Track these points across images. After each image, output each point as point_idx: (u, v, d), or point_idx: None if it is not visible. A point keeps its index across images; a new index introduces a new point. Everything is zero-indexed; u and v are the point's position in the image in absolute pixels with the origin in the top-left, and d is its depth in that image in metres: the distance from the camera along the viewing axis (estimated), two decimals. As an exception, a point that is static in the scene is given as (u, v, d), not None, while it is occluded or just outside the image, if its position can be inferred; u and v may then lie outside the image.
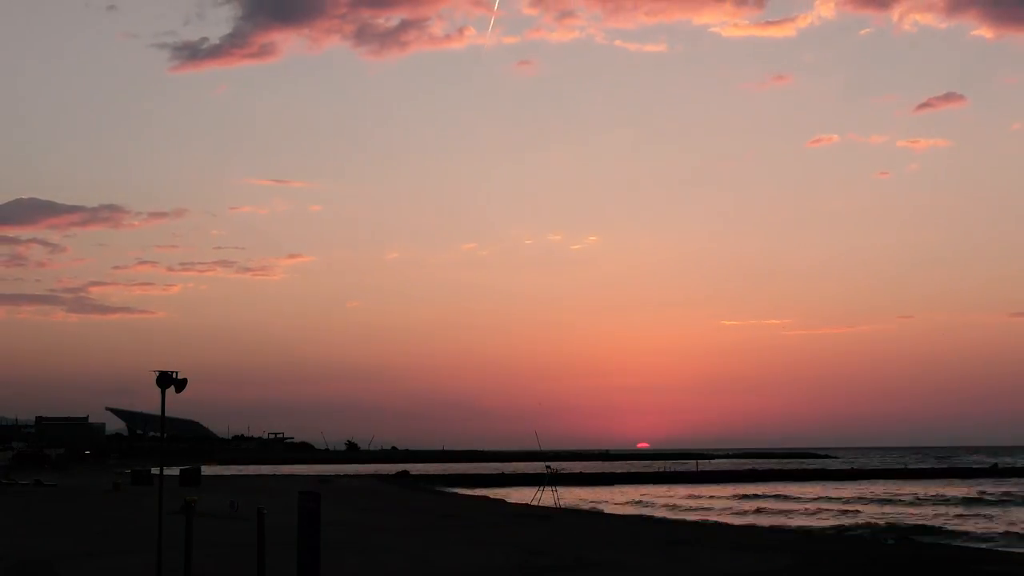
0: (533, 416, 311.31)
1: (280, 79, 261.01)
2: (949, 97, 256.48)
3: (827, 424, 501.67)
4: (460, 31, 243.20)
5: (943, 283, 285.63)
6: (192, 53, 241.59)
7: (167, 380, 18.24)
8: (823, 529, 44.52)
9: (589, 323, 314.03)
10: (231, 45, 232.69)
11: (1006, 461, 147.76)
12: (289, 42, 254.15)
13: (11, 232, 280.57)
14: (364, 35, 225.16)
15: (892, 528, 44.81)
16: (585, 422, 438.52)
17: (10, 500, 50.40)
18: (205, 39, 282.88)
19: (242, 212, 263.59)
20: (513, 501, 61.96)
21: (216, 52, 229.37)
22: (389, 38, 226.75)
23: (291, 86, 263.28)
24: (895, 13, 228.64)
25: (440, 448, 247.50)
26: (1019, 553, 30.73)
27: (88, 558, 24.89)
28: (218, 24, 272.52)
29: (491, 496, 69.10)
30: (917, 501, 65.78)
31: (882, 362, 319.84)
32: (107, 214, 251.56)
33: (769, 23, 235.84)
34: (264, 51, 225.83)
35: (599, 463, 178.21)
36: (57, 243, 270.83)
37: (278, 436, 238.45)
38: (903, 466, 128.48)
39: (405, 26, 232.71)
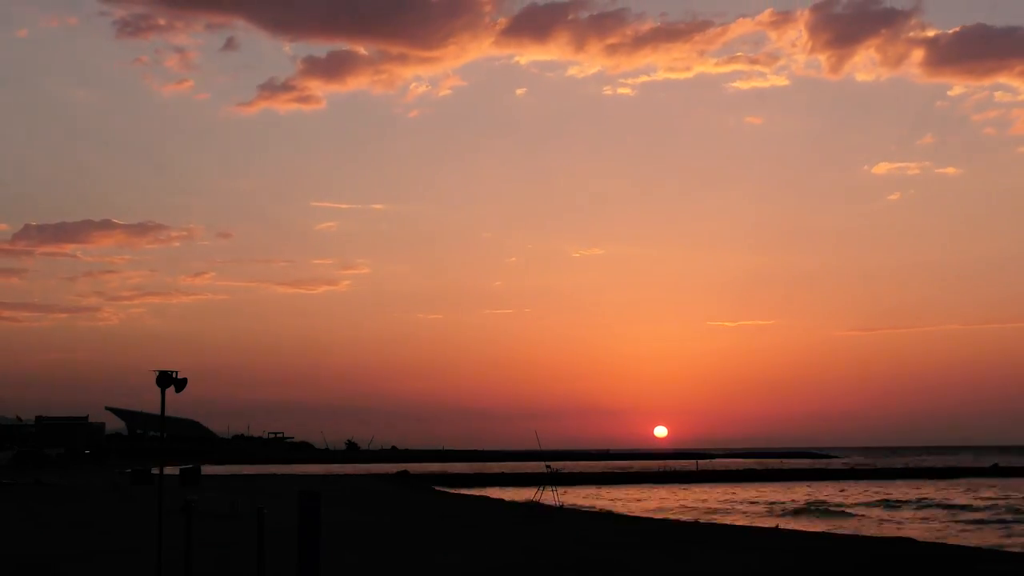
0: (533, 416, 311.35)
1: (320, 118, 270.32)
2: (935, 134, 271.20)
3: (828, 424, 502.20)
4: (485, 76, 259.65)
5: (956, 292, 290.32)
6: (243, 98, 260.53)
7: (167, 380, 18.22)
8: (824, 528, 44.52)
9: (590, 325, 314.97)
10: (279, 92, 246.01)
11: (1006, 460, 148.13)
12: (330, 90, 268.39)
13: (74, 248, 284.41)
14: (395, 84, 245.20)
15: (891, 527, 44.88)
16: (586, 422, 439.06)
17: (10, 500, 50.41)
18: (253, 87, 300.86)
19: (294, 231, 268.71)
20: (513, 501, 61.94)
21: (266, 97, 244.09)
22: (422, 87, 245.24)
23: (330, 123, 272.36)
24: (863, 68, 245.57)
25: (440, 448, 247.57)
26: (1019, 553, 30.73)
27: (88, 558, 24.88)
28: (267, 75, 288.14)
29: (491, 496, 69.07)
30: (917, 501, 65.82)
31: (888, 364, 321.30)
32: (179, 233, 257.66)
33: (765, 76, 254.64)
34: (308, 99, 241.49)
35: (600, 463, 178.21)
36: (118, 257, 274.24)
37: (278, 436, 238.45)
38: (904, 466, 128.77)
39: (439, 78, 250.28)
